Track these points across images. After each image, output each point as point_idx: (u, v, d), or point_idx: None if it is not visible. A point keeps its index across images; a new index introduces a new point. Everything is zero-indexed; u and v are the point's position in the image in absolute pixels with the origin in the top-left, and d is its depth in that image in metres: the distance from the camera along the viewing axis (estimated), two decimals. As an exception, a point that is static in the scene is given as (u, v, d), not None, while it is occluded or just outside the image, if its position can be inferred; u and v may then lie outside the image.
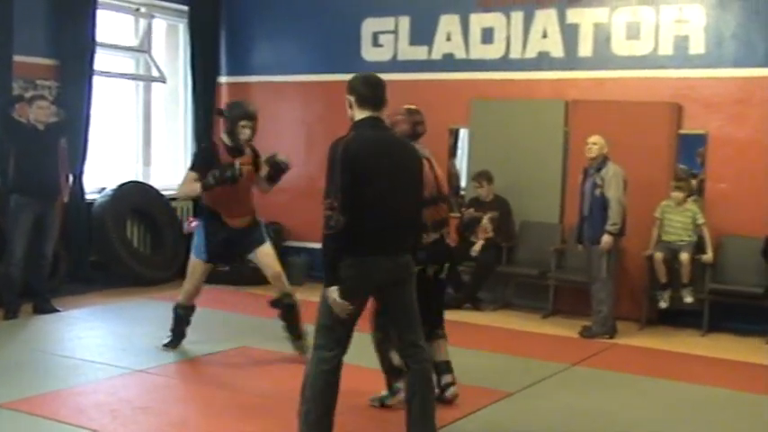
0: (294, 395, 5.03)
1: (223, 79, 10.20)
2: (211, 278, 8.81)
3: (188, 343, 6.37)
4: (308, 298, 8.55)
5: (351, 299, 3.80)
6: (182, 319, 6.21)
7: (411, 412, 4.01)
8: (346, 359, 3.96)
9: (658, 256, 7.35)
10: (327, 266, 3.80)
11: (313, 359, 3.93)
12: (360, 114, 3.97)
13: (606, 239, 7.03)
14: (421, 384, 4.02)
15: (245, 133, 5.91)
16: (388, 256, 3.88)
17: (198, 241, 6.01)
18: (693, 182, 7.82)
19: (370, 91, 3.98)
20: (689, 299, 7.28)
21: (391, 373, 4.90)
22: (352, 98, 3.99)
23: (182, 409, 4.88)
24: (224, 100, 10.20)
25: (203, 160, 5.92)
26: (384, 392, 4.97)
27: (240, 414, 4.80)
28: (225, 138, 5.98)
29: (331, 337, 3.89)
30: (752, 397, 5.54)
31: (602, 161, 7.11)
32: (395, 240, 3.91)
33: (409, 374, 4.05)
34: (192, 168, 5.96)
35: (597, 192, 7.07)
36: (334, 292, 3.77)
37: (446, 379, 5.02)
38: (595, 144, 7.12)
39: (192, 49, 9.83)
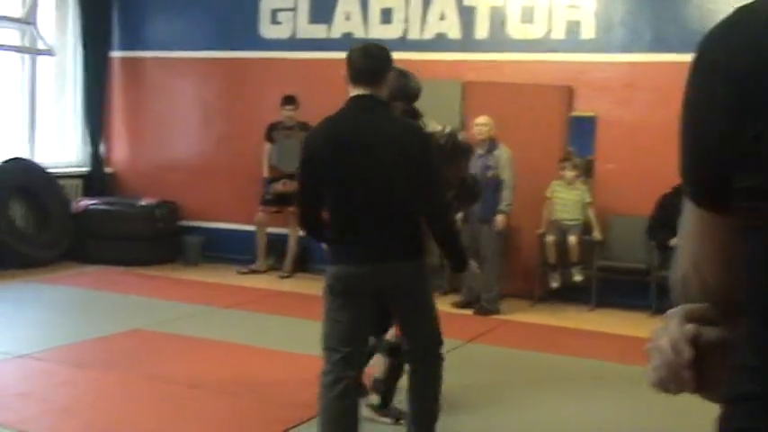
0: (186, 378, 5.00)
1: (116, 54, 9.89)
2: (99, 258, 8.69)
3: (75, 326, 6.20)
4: (205, 279, 8.53)
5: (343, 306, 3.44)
6: None
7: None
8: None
9: (549, 239, 7.53)
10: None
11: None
12: (352, 92, 3.46)
13: (501, 219, 7.22)
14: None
15: None
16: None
17: None
18: (578, 161, 7.98)
19: (363, 64, 3.44)
20: (578, 277, 7.50)
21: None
22: (344, 73, 3.48)
23: (64, 394, 4.72)
24: (116, 75, 9.92)
25: None
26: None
27: (128, 399, 4.69)
28: None
29: (331, 359, 3.43)
30: (635, 369, 5.74)
31: (492, 142, 7.26)
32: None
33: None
34: None
35: (490, 173, 7.20)
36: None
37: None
38: (485, 125, 7.26)
39: (83, 21, 9.50)
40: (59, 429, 4.15)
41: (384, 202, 3.41)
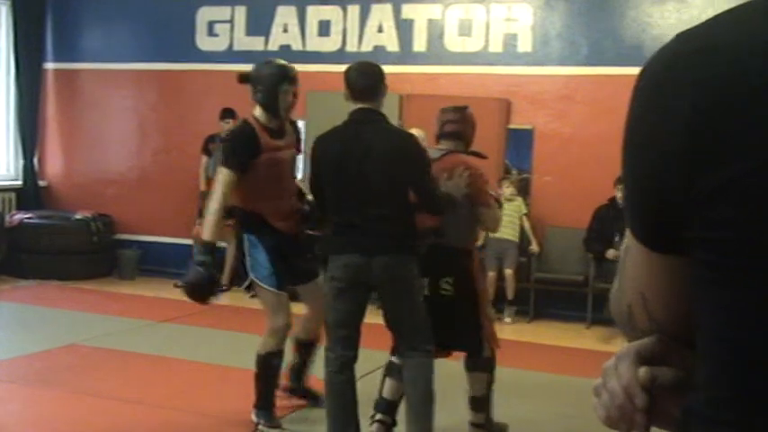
0: (123, 393, 4.92)
1: (50, 65, 9.72)
2: (33, 272, 8.52)
3: (9, 342, 6.06)
4: (141, 293, 8.41)
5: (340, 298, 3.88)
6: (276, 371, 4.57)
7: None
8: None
9: (490, 275, 7.39)
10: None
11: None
12: (352, 107, 3.89)
13: None
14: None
15: (287, 101, 4.40)
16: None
17: (259, 264, 4.33)
18: (516, 175, 8.09)
19: (358, 83, 3.87)
20: (508, 319, 7.51)
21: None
22: (345, 90, 3.91)
23: (1, 411, 4.62)
24: (50, 87, 9.75)
25: (245, 150, 4.27)
26: None
27: (65, 415, 4.60)
28: (260, 114, 4.38)
29: (334, 338, 3.91)
30: (571, 379, 5.82)
31: None
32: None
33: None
34: (228, 165, 4.24)
35: None
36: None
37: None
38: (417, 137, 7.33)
39: (15, 31, 9.31)
40: (-7, 449, 4.05)
41: (379, 201, 3.79)
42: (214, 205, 4.18)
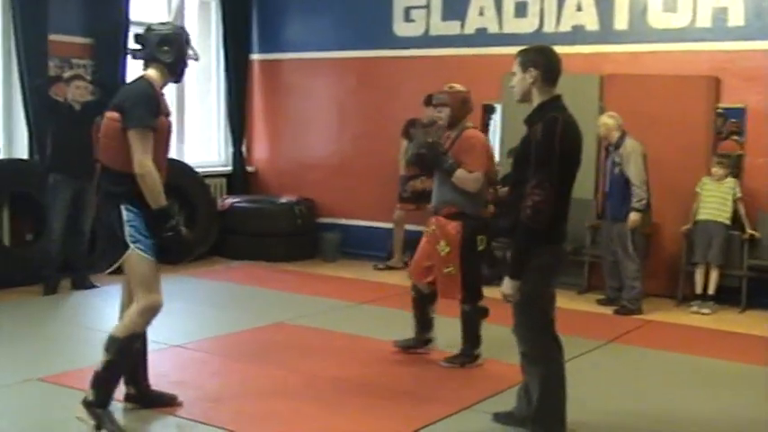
0: (329, 372, 5.11)
1: (255, 57, 10.21)
2: (243, 253, 8.99)
3: (224, 319, 6.45)
4: (342, 275, 8.69)
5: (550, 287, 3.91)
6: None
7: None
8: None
9: (699, 270, 7.29)
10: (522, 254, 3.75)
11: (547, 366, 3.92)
12: (546, 92, 3.81)
13: (633, 217, 7.03)
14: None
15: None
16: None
17: (137, 230, 4.08)
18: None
19: (557, 66, 3.83)
20: (706, 310, 7.16)
21: (425, 324, 5.49)
22: (536, 72, 3.79)
23: (217, 384, 4.92)
24: (256, 77, 10.24)
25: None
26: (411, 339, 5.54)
27: (274, 391, 4.83)
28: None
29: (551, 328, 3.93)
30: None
31: (620, 138, 7.13)
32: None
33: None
34: None
35: (617, 170, 7.11)
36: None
37: None
38: (604, 125, 7.18)
39: (225, 26, 9.85)
40: (210, 417, 4.31)
41: None
42: None
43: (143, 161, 3.99)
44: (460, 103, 5.30)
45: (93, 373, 4.02)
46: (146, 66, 4.22)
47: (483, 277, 5.33)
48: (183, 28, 4.27)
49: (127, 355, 4.08)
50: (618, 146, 7.11)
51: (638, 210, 7.00)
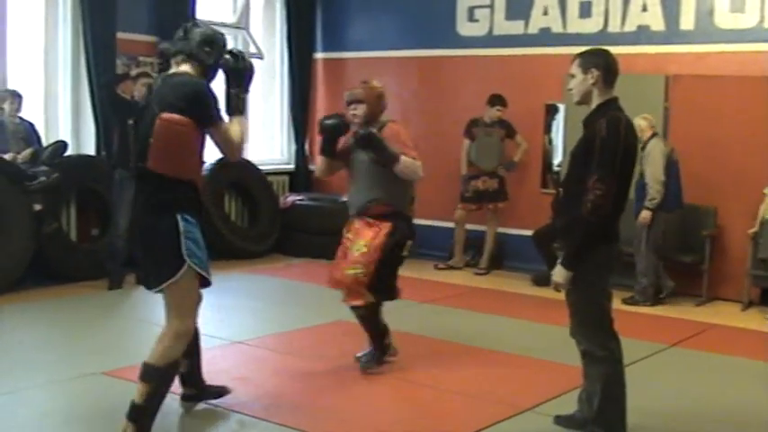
0: (389, 371, 5.13)
1: (319, 55, 10.29)
2: (304, 251, 9.05)
3: (284, 316, 6.52)
4: (403, 273, 8.60)
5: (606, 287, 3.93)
6: None
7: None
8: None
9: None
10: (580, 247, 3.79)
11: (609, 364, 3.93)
12: (605, 93, 3.86)
13: (644, 215, 7.16)
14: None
15: None
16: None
17: (194, 242, 3.79)
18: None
19: (616, 68, 3.89)
20: None
21: (383, 333, 5.18)
22: (597, 73, 3.84)
23: (277, 380, 4.99)
24: (320, 76, 10.32)
25: None
26: (368, 351, 5.17)
27: (335, 387, 4.89)
28: None
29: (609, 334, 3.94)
30: None
31: (649, 138, 7.18)
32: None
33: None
34: None
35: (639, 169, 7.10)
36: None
37: None
38: (637, 126, 7.10)
39: (289, 25, 9.96)
40: (272, 414, 4.37)
41: None
42: None
43: (240, 146, 3.88)
44: (376, 98, 5.11)
45: (129, 404, 3.76)
46: (178, 61, 3.89)
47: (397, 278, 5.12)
48: (223, 34, 4.00)
49: (170, 384, 3.82)
50: (644, 147, 7.11)
51: (648, 208, 7.14)
